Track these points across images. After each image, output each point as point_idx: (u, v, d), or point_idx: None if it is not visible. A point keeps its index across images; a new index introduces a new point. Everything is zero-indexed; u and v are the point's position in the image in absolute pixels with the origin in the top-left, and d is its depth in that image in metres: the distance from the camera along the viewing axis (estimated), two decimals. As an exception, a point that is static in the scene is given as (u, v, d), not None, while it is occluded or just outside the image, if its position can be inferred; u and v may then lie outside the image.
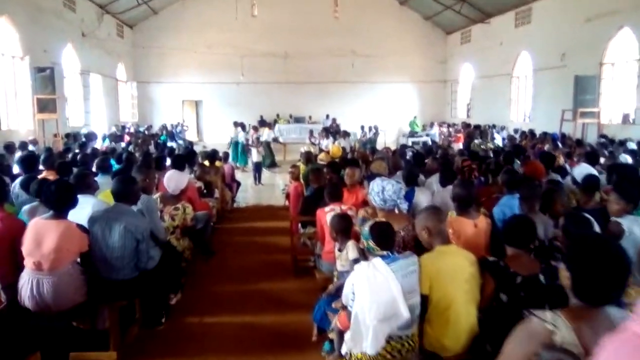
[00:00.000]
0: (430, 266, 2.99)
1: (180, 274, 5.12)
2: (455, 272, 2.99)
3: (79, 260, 3.82)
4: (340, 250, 4.01)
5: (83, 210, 4.19)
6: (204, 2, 23.56)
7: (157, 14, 23.62)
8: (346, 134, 15.47)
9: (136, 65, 24.08)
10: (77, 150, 9.67)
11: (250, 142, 14.69)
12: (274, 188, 12.65)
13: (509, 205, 4.55)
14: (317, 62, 24.16)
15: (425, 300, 2.98)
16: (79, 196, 4.38)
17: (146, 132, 17.71)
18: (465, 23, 22.45)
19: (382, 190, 3.66)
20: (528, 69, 18.46)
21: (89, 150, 9.24)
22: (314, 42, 23.74)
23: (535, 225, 3.21)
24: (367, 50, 24.26)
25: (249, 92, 24.33)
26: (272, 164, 16.03)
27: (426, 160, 7.41)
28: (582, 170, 5.67)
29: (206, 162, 8.71)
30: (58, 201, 3.64)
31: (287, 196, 9.52)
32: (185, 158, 7.27)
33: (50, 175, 6.45)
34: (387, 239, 2.93)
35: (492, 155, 8.80)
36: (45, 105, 13.29)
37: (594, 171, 5.78)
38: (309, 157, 8.99)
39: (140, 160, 7.34)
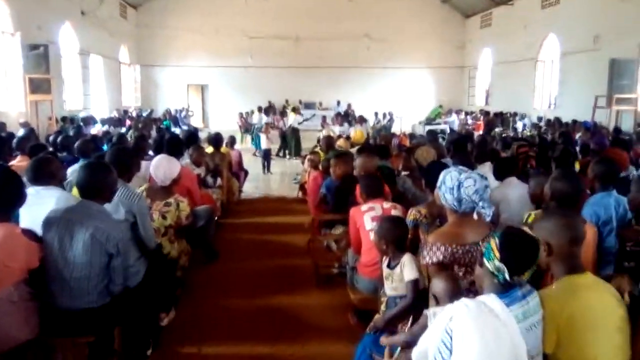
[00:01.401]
0: (558, 309, 1.88)
1: (175, 286, 4.06)
2: (601, 317, 1.90)
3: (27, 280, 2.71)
4: (390, 267, 2.92)
5: (44, 206, 3.13)
6: (213, -18, 22.37)
7: (163, -6, 22.43)
8: (362, 120, 14.29)
9: (140, 48, 22.99)
10: (70, 134, 8.63)
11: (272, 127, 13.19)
12: (285, 177, 11.54)
13: (604, 205, 3.45)
14: (329, 46, 23.04)
15: (546, 362, 1.90)
16: (40, 188, 3.36)
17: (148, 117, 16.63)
18: (486, 5, 21.29)
19: (458, 185, 2.47)
20: (555, 53, 17.21)
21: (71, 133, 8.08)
22: (327, 25, 22.58)
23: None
24: (381, 35, 23.17)
25: (257, 76, 23.17)
26: (297, 152, 14.53)
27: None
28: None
29: (209, 149, 7.50)
30: (-5, 197, 2.53)
31: (301, 187, 8.47)
32: (184, 142, 6.10)
33: (23, 162, 5.52)
34: (527, 264, 1.84)
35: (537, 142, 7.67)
36: (39, 86, 12.38)
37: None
38: (329, 143, 7.70)
39: (132, 144, 6.21)
